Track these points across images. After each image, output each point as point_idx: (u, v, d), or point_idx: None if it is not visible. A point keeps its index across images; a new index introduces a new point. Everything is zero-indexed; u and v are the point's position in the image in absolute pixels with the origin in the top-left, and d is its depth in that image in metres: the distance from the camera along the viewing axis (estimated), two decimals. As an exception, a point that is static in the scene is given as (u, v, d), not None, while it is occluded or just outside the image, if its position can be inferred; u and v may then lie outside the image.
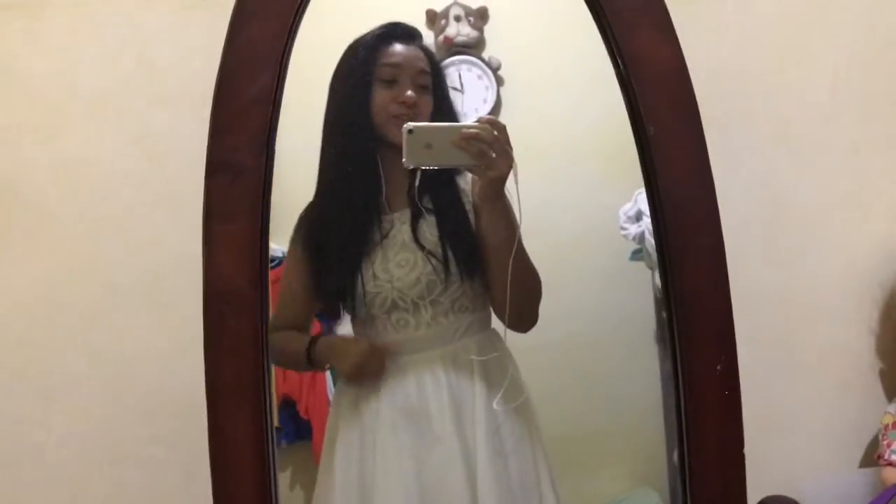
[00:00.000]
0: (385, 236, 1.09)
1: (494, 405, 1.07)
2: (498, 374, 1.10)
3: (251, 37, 0.87)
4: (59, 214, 1.26)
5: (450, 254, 1.07)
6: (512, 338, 1.07)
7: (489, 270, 1.07)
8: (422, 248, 1.07)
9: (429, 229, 1.08)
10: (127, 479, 1.27)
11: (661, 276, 0.97)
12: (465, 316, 1.10)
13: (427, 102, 1.08)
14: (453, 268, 1.07)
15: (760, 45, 1.24)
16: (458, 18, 1.21)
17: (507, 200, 0.99)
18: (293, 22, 0.88)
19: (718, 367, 0.93)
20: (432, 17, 1.22)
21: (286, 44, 0.87)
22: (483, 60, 1.22)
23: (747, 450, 1.24)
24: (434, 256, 1.07)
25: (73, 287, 1.26)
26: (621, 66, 0.91)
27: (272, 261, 1.29)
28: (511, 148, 0.95)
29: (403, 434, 1.08)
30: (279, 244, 1.26)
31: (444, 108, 1.10)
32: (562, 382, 1.19)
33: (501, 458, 1.09)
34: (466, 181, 1.10)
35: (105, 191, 1.25)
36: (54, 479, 1.26)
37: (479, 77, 1.22)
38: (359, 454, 1.10)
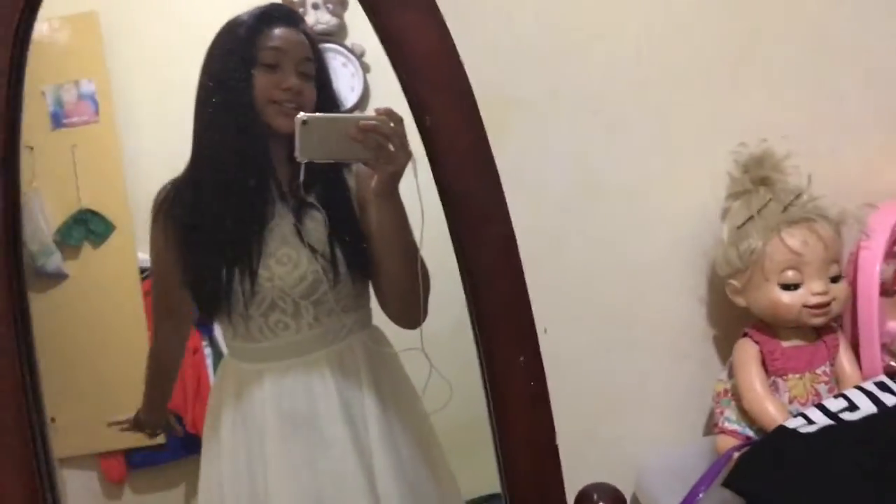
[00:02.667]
0: (265, 228, 1.03)
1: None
2: (384, 371, 1.08)
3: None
4: None
5: (339, 253, 1.03)
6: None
7: (380, 268, 1.03)
8: (308, 245, 1.02)
9: (314, 226, 1.03)
10: None
11: (461, 274, 0.94)
12: (348, 315, 1.06)
13: (311, 90, 1.04)
14: (342, 267, 1.03)
15: (562, 23, 1.22)
16: (315, 6, 1.17)
17: (399, 196, 0.96)
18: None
19: (522, 359, 0.91)
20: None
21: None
22: (346, 47, 1.19)
23: (582, 432, 1.25)
24: (322, 256, 1.02)
25: None
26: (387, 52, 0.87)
27: (143, 272, 1.23)
28: (408, 141, 0.92)
29: (293, 440, 1.04)
30: (146, 253, 1.20)
31: (328, 98, 1.06)
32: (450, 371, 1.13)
33: (396, 452, 1.07)
34: (352, 177, 1.07)
35: None
36: None
37: (344, 65, 1.19)
38: (247, 467, 1.06)
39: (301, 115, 0.91)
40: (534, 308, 0.92)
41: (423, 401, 1.11)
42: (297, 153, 0.92)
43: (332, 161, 1.01)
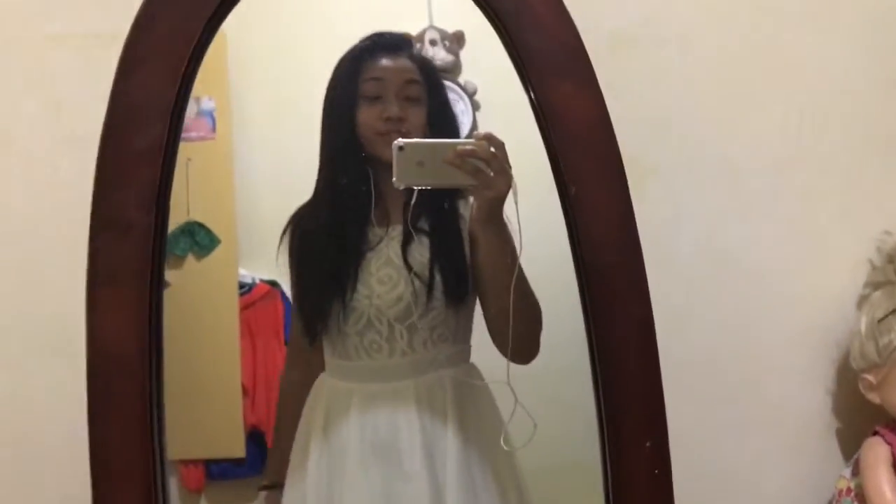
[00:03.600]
0: (371, 249, 1.04)
1: (503, 445, 1.02)
2: (471, 408, 1.06)
3: (140, 84, 0.81)
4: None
5: (437, 277, 1.02)
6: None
7: (487, 299, 1.02)
8: (408, 266, 1.02)
9: (419, 250, 1.04)
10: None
11: (589, 351, 0.91)
12: (443, 346, 1.05)
13: (418, 114, 1.04)
14: (438, 292, 1.02)
15: (704, 90, 1.19)
16: (433, 43, 1.17)
17: (506, 224, 0.94)
18: (186, 69, 0.82)
19: (648, 444, 0.88)
20: (408, 42, 1.16)
21: (179, 92, 0.81)
22: (459, 85, 1.19)
23: None
24: (419, 277, 1.02)
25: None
26: (542, 120, 0.86)
27: (241, 287, 1.26)
28: (510, 166, 0.90)
29: (373, 469, 1.03)
30: (248, 269, 1.23)
31: (441, 119, 1.06)
32: (541, 413, 1.09)
33: (472, 494, 1.04)
34: (466, 206, 1.05)
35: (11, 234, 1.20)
36: None
37: (456, 102, 1.18)
38: (327, 491, 1.06)
39: (398, 140, 0.90)
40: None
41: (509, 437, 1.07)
42: (394, 179, 0.91)
43: (429, 187, 0.99)
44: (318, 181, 1.08)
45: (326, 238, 1.07)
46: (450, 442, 1.05)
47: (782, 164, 1.20)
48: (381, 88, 1.04)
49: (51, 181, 1.18)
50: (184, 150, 1.23)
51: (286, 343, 1.20)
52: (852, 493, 1.15)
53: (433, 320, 1.04)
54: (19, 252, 1.19)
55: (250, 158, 1.22)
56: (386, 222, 1.06)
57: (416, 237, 1.05)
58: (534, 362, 1.04)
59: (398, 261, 1.04)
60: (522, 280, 0.98)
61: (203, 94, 1.25)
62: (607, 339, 0.86)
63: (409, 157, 0.90)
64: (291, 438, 1.12)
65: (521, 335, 0.99)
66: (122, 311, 0.80)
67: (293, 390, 1.14)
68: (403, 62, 1.07)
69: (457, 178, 0.91)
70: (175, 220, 1.24)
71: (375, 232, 1.06)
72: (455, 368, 1.07)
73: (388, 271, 1.04)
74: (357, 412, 1.05)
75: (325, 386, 1.11)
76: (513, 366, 0.99)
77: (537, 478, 1.12)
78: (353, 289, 1.04)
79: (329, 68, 1.07)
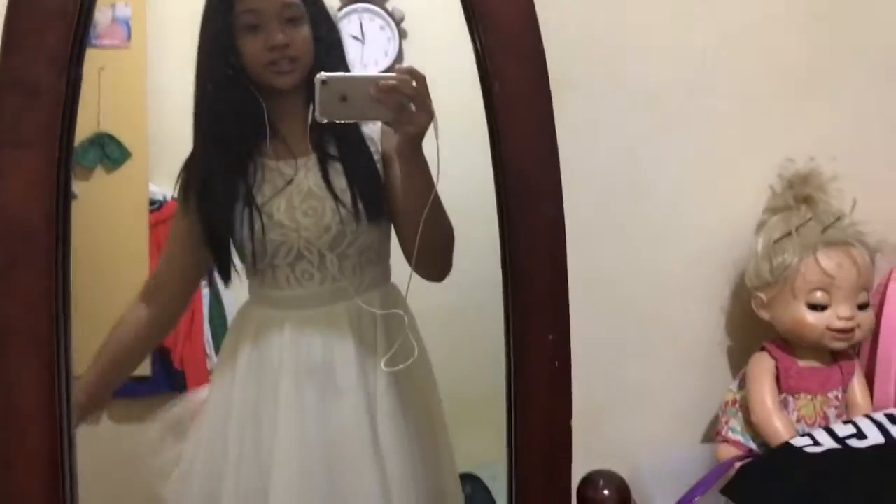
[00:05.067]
0: (289, 182, 1.04)
1: (383, 366, 1.05)
2: (397, 328, 1.09)
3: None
4: None
5: (359, 202, 1.03)
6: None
7: (402, 223, 1.04)
8: (333, 195, 1.03)
9: (335, 177, 1.04)
10: None
11: (500, 244, 0.94)
12: (369, 268, 1.08)
13: (302, 36, 1.02)
14: (363, 216, 1.03)
15: (630, 9, 1.21)
16: None
17: (424, 156, 0.95)
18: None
19: (550, 337, 0.91)
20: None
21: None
22: (386, 11, 1.18)
23: (587, 424, 1.25)
24: (343, 204, 1.03)
25: None
26: (469, 15, 0.86)
27: (152, 204, 1.23)
28: (430, 101, 0.90)
29: (307, 389, 1.06)
30: (159, 186, 1.20)
31: (325, 34, 1.05)
32: (454, 344, 1.18)
33: (401, 408, 1.08)
34: (371, 127, 1.07)
35: None
36: None
37: (382, 28, 1.18)
38: (254, 408, 1.07)
39: (321, 74, 0.90)
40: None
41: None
42: (317, 113, 0.91)
43: (352, 121, 1.01)
44: (200, 124, 1.06)
45: (225, 180, 1.06)
46: (379, 357, 1.07)
47: (698, 89, 1.24)
48: (259, 18, 1.01)
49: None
50: (97, 57, 1.19)
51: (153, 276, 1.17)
52: (737, 405, 1.23)
53: (361, 245, 1.06)
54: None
55: (165, 70, 1.19)
56: (293, 153, 1.06)
57: (331, 165, 1.05)
58: (450, 297, 1.09)
59: (320, 191, 1.04)
60: (438, 204, 0.99)
61: (117, 1, 1.20)
62: (519, 237, 0.89)
63: (332, 91, 0.89)
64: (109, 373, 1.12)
65: (436, 255, 1.03)
66: (28, 174, 0.78)
67: (137, 324, 1.12)
68: None
69: (379, 113, 0.92)
70: (85, 131, 1.20)
71: (286, 165, 1.05)
72: (380, 288, 1.10)
73: (312, 203, 1.04)
74: (290, 335, 1.07)
75: (251, 314, 1.12)
76: (431, 298, 1.05)
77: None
78: (280, 225, 1.04)
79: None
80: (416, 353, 1.08)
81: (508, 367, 0.94)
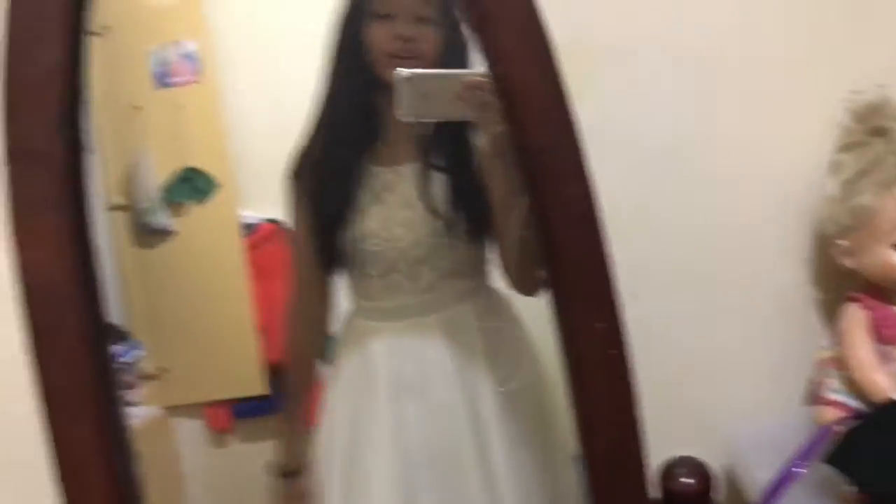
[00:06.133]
0: (386, 191, 1.02)
1: (501, 389, 1.03)
2: (505, 341, 1.07)
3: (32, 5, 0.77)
4: None
5: (459, 216, 1.00)
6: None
7: (500, 232, 0.99)
8: (429, 208, 1.00)
9: (438, 189, 1.01)
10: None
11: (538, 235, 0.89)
12: (463, 281, 1.05)
13: (430, 36, 0.99)
14: (460, 231, 1.00)
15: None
16: None
17: (509, 157, 0.90)
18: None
19: (598, 325, 0.86)
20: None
21: (72, 11, 0.77)
22: None
23: (679, 399, 1.19)
24: (441, 219, 1.00)
25: None
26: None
27: (247, 228, 1.26)
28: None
29: (402, 403, 1.04)
30: (251, 210, 1.25)
31: (453, 42, 1.00)
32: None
33: (514, 425, 1.05)
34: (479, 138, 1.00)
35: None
36: None
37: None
38: (352, 416, 1.07)
39: (402, 70, 0.86)
40: (623, 273, 0.86)
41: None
42: (396, 111, 0.87)
43: (434, 120, 0.96)
44: (323, 111, 1.04)
45: (329, 182, 1.04)
46: (482, 373, 1.04)
47: (741, 30, 1.15)
48: (392, 7, 0.99)
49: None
50: (173, 96, 1.22)
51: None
52: (834, 363, 1.14)
53: (456, 258, 1.03)
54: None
55: (241, 97, 1.21)
56: (397, 160, 1.03)
57: (433, 175, 1.02)
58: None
59: (416, 202, 1.02)
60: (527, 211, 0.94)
61: (182, 38, 1.22)
62: (548, 221, 0.84)
63: (414, 88, 0.86)
64: (308, 382, 1.15)
65: (531, 267, 0.96)
66: (45, 240, 0.78)
67: (306, 327, 1.14)
68: None
69: (464, 112, 0.87)
70: (172, 168, 1.24)
71: (388, 171, 1.03)
72: (475, 299, 1.07)
73: (408, 214, 1.02)
74: (388, 345, 1.05)
75: (354, 325, 1.11)
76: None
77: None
78: (374, 236, 1.02)
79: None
80: (525, 369, 1.06)
81: (563, 360, 0.89)
